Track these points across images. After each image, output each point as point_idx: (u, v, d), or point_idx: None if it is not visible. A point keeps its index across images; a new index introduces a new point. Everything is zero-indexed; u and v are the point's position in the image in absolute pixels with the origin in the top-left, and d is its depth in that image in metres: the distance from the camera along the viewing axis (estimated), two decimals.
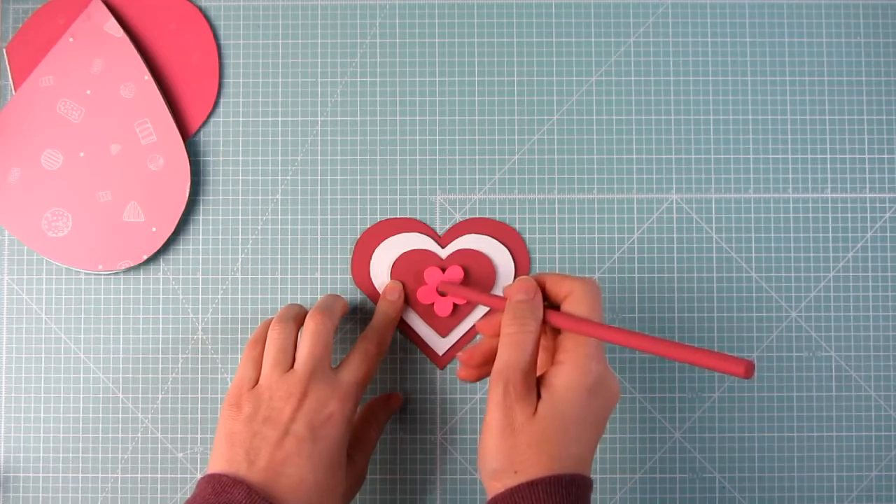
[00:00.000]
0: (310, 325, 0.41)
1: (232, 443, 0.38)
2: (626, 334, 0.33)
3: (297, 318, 0.43)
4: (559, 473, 0.34)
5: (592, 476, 0.47)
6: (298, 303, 0.47)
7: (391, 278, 0.47)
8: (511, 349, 0.35)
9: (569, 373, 0.35)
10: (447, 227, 0.48)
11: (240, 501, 0.36)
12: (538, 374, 0.37)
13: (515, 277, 0.47)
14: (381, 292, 0.47)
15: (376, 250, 0.47)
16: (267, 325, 0.43)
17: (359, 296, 0.48)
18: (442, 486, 0.47)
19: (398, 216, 0.48)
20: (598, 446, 0.47)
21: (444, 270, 0.46)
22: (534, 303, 0.37)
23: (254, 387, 0.40)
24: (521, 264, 0.47)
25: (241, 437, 0.38)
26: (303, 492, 0.37)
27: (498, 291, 0.47)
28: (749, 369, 0.29)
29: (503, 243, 0.47)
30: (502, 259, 0.47)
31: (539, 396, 0.35)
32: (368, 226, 0.48)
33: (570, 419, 0.35)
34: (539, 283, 0.38)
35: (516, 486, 0.34)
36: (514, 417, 0.35)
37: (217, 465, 0.38)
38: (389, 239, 0.47)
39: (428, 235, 0.47)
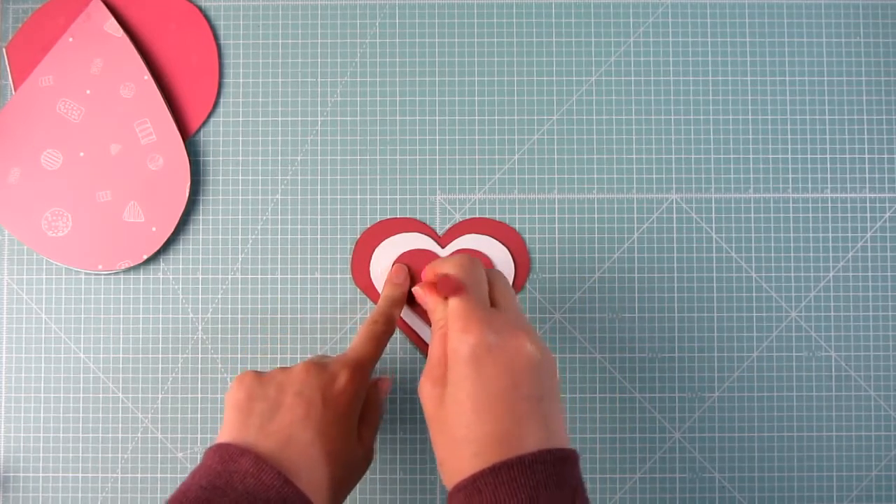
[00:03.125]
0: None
1: (239, 409, 0.37)
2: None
3: None
4: (490, 465, 0.31)
5: (592, 475, 0.47)
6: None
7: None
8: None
9: (448, 349, 0.34)
10: (447, 227, 0.48)
11: (247, 470, 0.34)
12: None
13: (515, 277, 0.47)
14: (386, 277, 0.46)
15: (376, 250, 0.47)
16: None
17: (359, 295, 0.48)
18: (442, 486, 0.47)
19: (398, 216, 0.48)
20: (598, 440, 0.47)
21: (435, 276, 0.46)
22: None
23: (260, 373, 0.40)
24: (521, 264, 0.47)
25: (251, 405, 0.37)
26: (312, 458, 0.36)
27: None
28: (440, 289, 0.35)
29: (503, 243, 0.47)
30: (502, 259, 0.47)
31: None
32: (368, 226, 0.48)
33: (469, 393, 0.32)
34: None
35: (450, 491, 0.32)
36: (430, 410, 0.34)
37: (225, 435, 0.37)
38: (389, 239, 0.47)
39: (428, 235, 0.47)
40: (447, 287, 0.35)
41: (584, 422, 0.47)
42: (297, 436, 0.36)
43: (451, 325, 0.34)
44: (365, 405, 0.41)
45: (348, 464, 0.38)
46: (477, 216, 0.48)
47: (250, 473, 0.34)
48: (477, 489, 0.31)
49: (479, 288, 0.36)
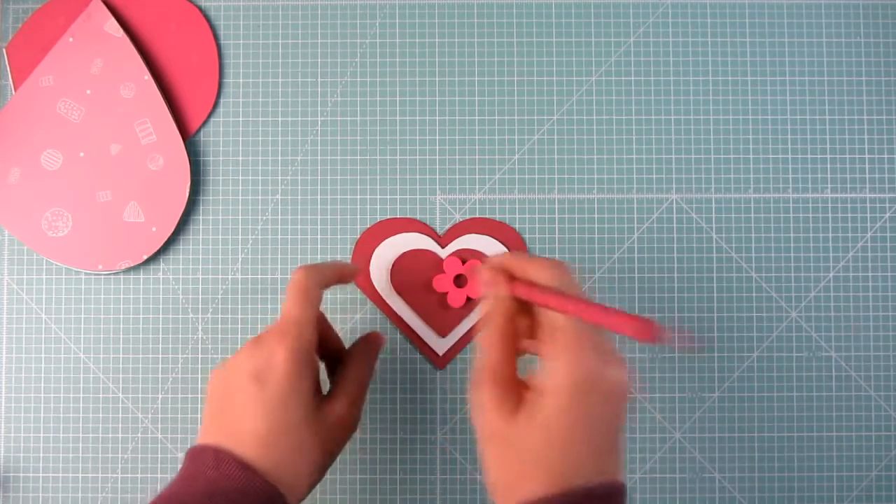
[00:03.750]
0: (292, 277, 0.38)
1: (206, 407, 0.38)
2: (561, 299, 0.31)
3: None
4: (563, 491, 0.30)
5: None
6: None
7: (391, 278, 0.47)
8: (482, 351, 0.33)
9: (555, 369, 0.31)
10: (447, 227, 0.48)
11: (208, 463, 0.34)
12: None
13: None
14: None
15: (376, 250, 0.47)
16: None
17: (359, 295, 0.47)
18: (442, 486, 0.47)
19: (398, 216, 0.48)
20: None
21: (463, 262, 0.46)
22: (497, 294, 0.34)
23: None
24: None
25: (211, 402, 0.37)
26: (267, 442, 0.35)
27: None
28: (652, 333, 0.27)
29: (503, 243, 0.47)
30: None
31: (525, 400, 0.32)
32: (368, 226, 0.48)
33: (565, 424, 0.31)
34: (507, 268, 0.35)
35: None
36: (498, 425, 0.31)
37: (199, 437, 0.38)
38: (389, 239, 0.47)
39: (428, 235, 0.47)
40: (653, 334, 0.29)
41: None
42: (248, 423, 0.35)
43: (563, 335, 0.32)
44: (347, 364, 0.40)
45: (312, 439, 0.36)
46: (477, 216, 0.48)
47: (210, 466, 0.34)
48: None
49: None
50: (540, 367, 0.32)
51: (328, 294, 0.47)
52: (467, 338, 0.47)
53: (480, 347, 0.34)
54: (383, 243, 0.47)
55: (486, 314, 0.34)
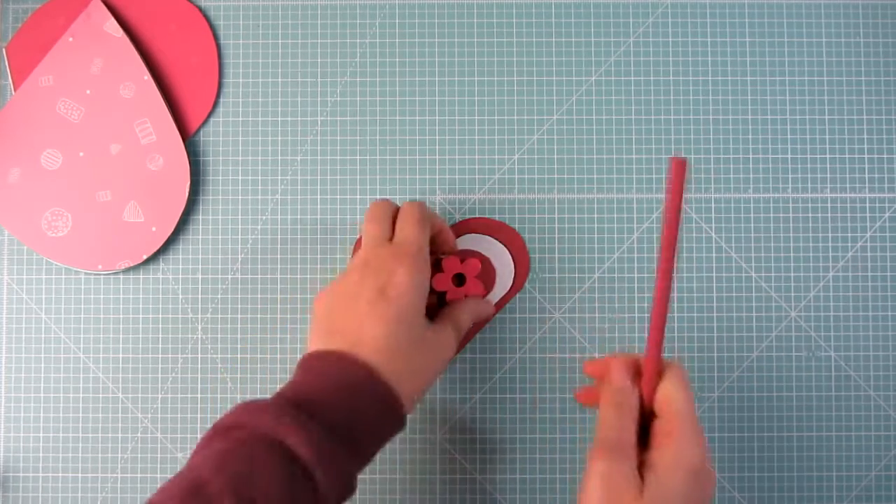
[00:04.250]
0: (404, 207, 0.42)
1: (317, 325, 0.39)
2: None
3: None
4: None
5: None
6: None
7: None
8: (612, 424, 0.35)
9: (674, 454, 0.33)
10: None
11: (334, 363, 0.37)
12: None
13: (515, 277, 0.47)
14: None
15: None
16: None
17: None
18: (442, 486, 0.47)
19: None
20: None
21: (462, 261, 0.46)
22: (631, 391, 0.36)
23: None
24: (521, 264, 0.47)
25: (321, 316, 0.39)
26: (387, 351, 0.37)
27: (497, 292, 0.47)
28: None
29: (503, 243, 0.47)
30: (502, 259, 0.47)
31: (642, 479, 0.33)
32: None
33: (669, 500, 0.33)
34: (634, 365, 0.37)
35: None
36: (621, 497, 0.32)
37: (312, 345, 0.39)
38: None
39: None
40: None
41: (583, 422, 0.47)
42: (371, 332, 0.37)
43: (681, 426, 0.34)
44: (457, 302, 0.43)
45: (426, 355, 0.39)
46: (477, 216, 0.48)
47: (335, 365, 0.37)
48: None
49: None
50: (653, 451, 0.34)
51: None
52: (467, 338, 0.47)
53: (610, 421, 0.35)
54: None
55: (616, 393, 0.36)
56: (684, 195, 0.37)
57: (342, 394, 0.36)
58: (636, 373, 0.36)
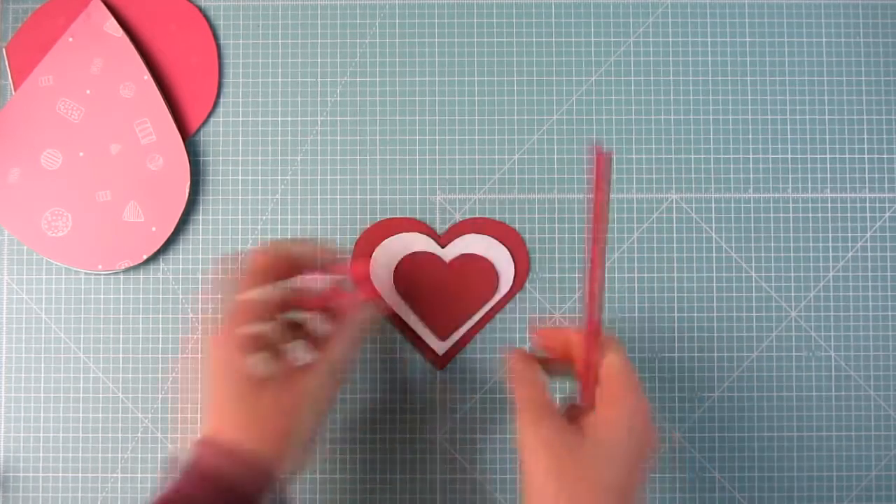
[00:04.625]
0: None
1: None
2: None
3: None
4: None
5: None
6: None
7: (394, 284, 0.47)
8: (527, 389, 0.37)
9: (613, 414, 0.35)
10: (447, 227, 0.48)
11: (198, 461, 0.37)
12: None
13: (515, 277, 0.47)
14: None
15: (376, 250, 0.47)
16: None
17: None
18: (442, 486, 0.47)
19: (398, 216, 0.48)
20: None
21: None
22: (530, 367, 0.38)
23: None
24: (521, 264, 0.47)
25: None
26: (237, 424, 0.38)
27: (497, 292, 0.47)
28: None
29: (503, 243, 0.47)
30: (502, 259, 0.47)
31: (582, 436, 0.35)
32: (368, 226, 0.48)
33: (618, 458, 0.34)
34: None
35: None
36: (561, 461, 0.34)
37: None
38: (390, 239, 0.47)
39: (428, 235, 0.47)
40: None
41: None
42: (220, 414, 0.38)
43: (621, 390, 0.35)
44: (333, 336, 0.40)
45: (269, 406, 0.38)
46: (477, 216, 0.48)
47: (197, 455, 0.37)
48: None
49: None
50: (597, 410, 0.36)
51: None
52: (467, 338, 0.47)
53: (525, 386, 0.37)
54: (383, 243, 0.47)
55: (521, 357, 0.39)
56: (609, 188, 0.39)
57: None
58: (567, 344, 0.38)
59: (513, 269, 0.47)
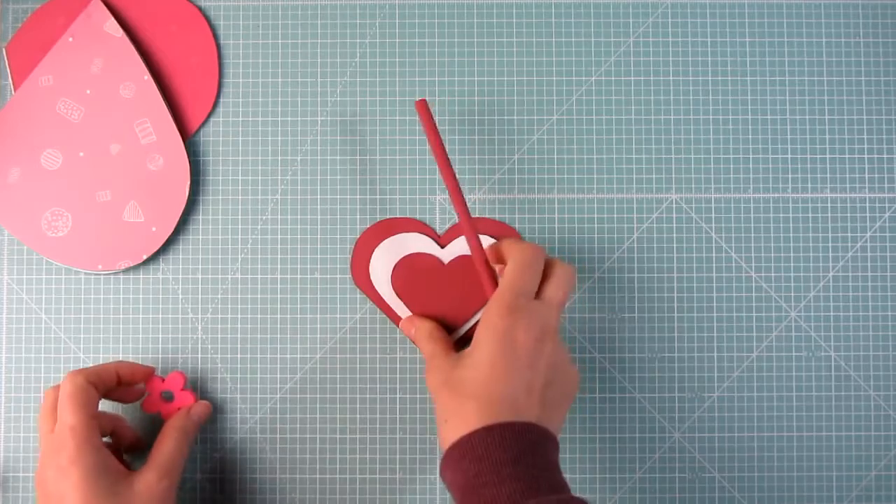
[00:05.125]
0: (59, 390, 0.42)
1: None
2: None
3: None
4: (487, 425, 0.36)
5: (591, 475, 0.47)
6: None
7: (392, 284, 0.47)
8: (421, 324, 0.45)
9: (481, 322, 0.39)
10: (447, 226, 0.48)
11: None
12: None
13: None
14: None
15: (376, 250, 0.47)
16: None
17: (359, 295, 0.48)
18: (442, 486, 0.47)
19: (398, 216, 0.48)
20: (598, 439, 0.47)
21: (163, 380, 0.46)
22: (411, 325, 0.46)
23: None
24: None
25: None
26: None
27: None
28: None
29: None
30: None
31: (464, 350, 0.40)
32: (368, 226, 0.48)
33: (489, 363, 0.38)
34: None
35: (447, 449, 0.37)
36: (446, 370, 0.40)
37: None
38: (389, 239, 0.47)
39: (428, 235, 0.47)
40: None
41: (583, 422, 0.47)
42: None
43: (491, 303, 0.40)
44: (161, 439, 0.43)
45: None
46: (477, 216, 0.48)
47: None
48: (471, 445, 0.36)
49: (531, 278, 0.40)
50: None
51: (328, 294, 0.47)
52: (465, 340, 0.47)
53: (420, 342, 0.44)
54: (383, 243, 0.47)
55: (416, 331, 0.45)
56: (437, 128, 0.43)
57: None
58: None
59: None
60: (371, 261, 0.47)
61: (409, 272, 0.47)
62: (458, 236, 0.47)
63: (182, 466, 0.43)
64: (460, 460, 0.36)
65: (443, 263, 0.47)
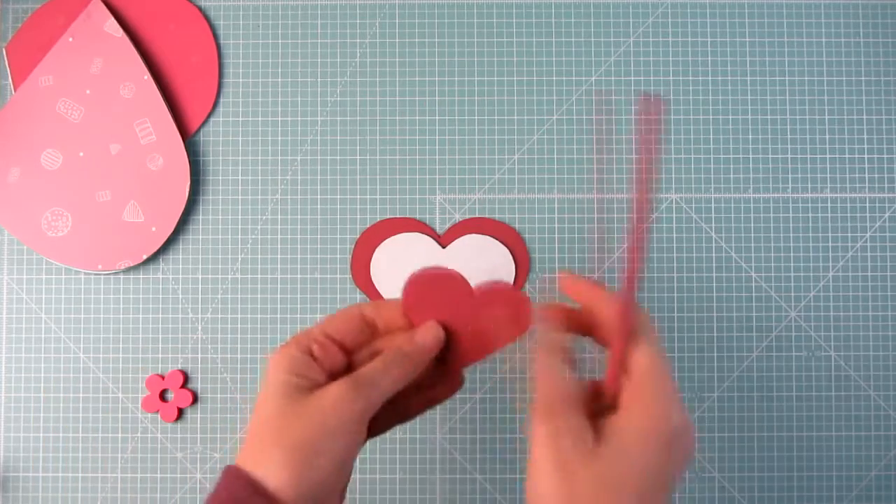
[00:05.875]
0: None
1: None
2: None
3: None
4: None
5: None
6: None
7: (403, 297, 0.36)
8: (547, 380, 0.31)
9: (642, 418, 0.30)
10: (447, 226, 0.48)
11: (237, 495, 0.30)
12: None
13: (516, 277, 0.47)
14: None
15: (377, 250, 0.47)
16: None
17: (359, 295, 0.47)
18: (442, 486, 0.47)
19: (398, 216, 0.48)
20: None
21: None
22: (553, 329, 0.33)
23: None
24: (521, 263, 0.47)
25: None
26: (278, 463, 0.31)
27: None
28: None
29: (503, 243, 0.47)
30: (502, 259, 0.47)
31: (602, 438, 0.30)
32: (368, 225, 0.48)
33: (639, 473, 0.29)
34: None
35: None
36: (575, 457, 0.29)
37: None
38: (390, 239, 0.47)
39: (428, 235, 0.47)
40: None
41: None
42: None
43: (653, 385, 0.31)
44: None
45: (297, 426, 0.32)
46: (477, 216, 0.48)
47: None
48: None
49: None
50: (620, 411, 0.31)
51: (328, 294, 0.47)
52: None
53: (545, 376, 0.32)
54: (384, 243, 0.47)
55: (545, 345, 0.33)
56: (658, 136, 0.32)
57: None
58: (591, 303, 0.33)
59: (513, 269, 0.47)
60: (372, 261, 0.47)
61: (429, 291, 0.36)
62: (458, 236, 0.47)
63: (387, 395, 0.33)
64: None
65: (471, 292, 0.36)
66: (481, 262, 0.47)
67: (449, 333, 0.36)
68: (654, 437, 0.29)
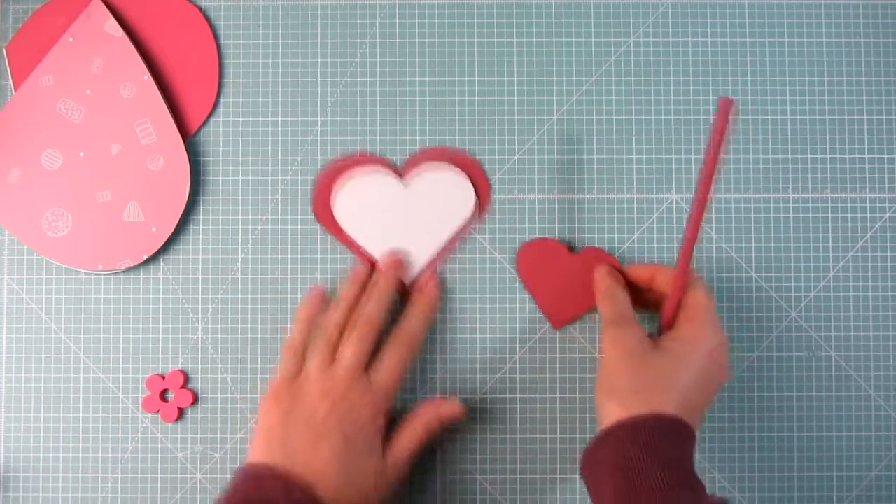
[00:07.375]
0: (362, 326, 0.43)
1: (269, 438, 0.40)
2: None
3: (346, 312, 0.44)
4: (677, 415, 0.37)
5: None
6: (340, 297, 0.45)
7: (518, 266, 0.48)
8: (613, 297, 0.43)
9: (693, 330, 0.40)
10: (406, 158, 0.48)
11: (277, 500, 0.37)
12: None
13: (477, 204, 0.47)
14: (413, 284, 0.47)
15: (340, 190, 0.47)
16: (308, 318, 0.44)
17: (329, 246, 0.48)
18: (442, 486, 0.47)
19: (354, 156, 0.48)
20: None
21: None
22: (617, 285, 0.44)
23: (294, 380, 0.42)
24: (482, 190, 0.47)
25: (278, 433, 0.40)
26: (337, 489, 0.39)
27: (457, 222, 0.47)
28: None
29: (462, 169, 0.47)
30: (462, 186, 0.47)
31: (660, 345, 0.40)
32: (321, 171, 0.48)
33: (688, 368, 0.38)
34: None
35: (643, 416, 0.37)
36: (644, 349, 0.39)
37: (256, 458, 0.40)
38: (350, 177, 0.47)
39: (387, 168, 0.47)
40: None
41: (584, 422, 0.47)
42: (326, 473, 0.40)
43: (706, 312, 0.40)
44: (413, 421, 0.43)
45: (372, 491, 0.41)
46: (436, 146, 0.48)
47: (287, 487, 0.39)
48: (647, 425, 0.37)
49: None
50: (676, 327, 0.41)
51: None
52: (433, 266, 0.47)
53: (611, 295, 0.43)
54: (346, 183, 0.47)
55: (609, 275, 0.45)
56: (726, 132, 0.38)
57: None
58: (651, 280, 0.44)
59: (473, 196, 0.47)
60: (334, 200, 0.47)
61: (537, 257, 0.47)
62: (416, 166, 0.47)
63: (412, 463, 0.43)
64: (628, 441, 0.37)
65: (570, 253, 0.47)
66: (443, 190, 0.47)
67: (557, 290, 0.47)
68: (702, 344, 0.39)
